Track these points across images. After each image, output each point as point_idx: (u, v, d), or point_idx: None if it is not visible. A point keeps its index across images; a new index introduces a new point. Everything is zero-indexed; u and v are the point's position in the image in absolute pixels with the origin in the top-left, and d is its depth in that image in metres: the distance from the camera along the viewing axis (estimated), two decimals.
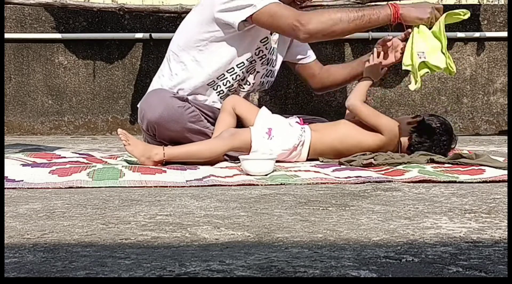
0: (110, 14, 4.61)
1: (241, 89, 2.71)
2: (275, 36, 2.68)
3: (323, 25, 2.39)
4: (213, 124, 2.62)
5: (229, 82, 2.64)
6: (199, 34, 2.58)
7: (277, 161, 2.40)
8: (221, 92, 2.65)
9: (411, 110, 4.63)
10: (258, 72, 2.69)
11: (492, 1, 4.97)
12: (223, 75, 2.62)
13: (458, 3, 4.93)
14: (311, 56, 2.94)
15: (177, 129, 2.49)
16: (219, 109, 2.63)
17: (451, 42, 4.72)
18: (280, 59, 2.81)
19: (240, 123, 2.57)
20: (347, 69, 2.89)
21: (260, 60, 2.66)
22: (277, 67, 2.81)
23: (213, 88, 2.64)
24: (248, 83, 2.70)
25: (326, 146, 2.52)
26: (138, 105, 2.65)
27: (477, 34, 4.71)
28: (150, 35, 4.58)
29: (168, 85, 2.64)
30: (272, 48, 2.68)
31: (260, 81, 2.75)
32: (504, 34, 4.67)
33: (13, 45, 4.65)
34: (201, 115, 2.59)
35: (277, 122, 2.52)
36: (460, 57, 4.76)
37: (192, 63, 2.61)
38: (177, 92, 2.60)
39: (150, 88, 2.72)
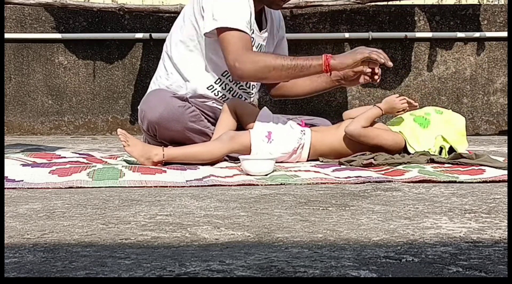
0: (110, 14, 4.61)
1: (243, 91, 2.70)
2: (265, 34, 2.66)
3: (256, 72, 2.38)
4: (214, 124, 2.62)
5: (228, 85, 2.63)
6: (188, 34, 2.57)
7: (277, 161, 2.40)
8: (220, 94, 2.65)
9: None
10: None
11: (492, 1, 4.97)
12: (219, 80, 2.61)
13: (458, 3, 4.93)
14: None
15: (177, 129, 2.49)
16: (220, 109, 2.63)
17: (451, 42, 4.74)
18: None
19: (241, 125, 2.57)
20: (313, 84, 2.82)
21: None
22: None
23: (211, 90, 2.63)
24: (247, 84, 2.69)
25: (326, 147, 2.52)
26: (138, 107, 2.65)
27: (477, 34, 4.71)
28: (150, 35, 4.58)
29: (165, 84, 2.64)
30: (259, 45, 2.65)
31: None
32: (504, 34, 4.68)
33: (13, 45, 4.65)
34: (202, 115, 2.59)
35: (277, 125, 2.51)
36: (460, 57, 4.76)
37: (183, 63, 2.62)
38: (177, 92, 2.60)
39: (148, 90, 2.73)
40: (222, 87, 2.63)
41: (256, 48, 2.63)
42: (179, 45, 2.61)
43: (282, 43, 2.87)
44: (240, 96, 2.68)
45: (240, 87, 2.67)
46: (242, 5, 2.44)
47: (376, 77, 2.57)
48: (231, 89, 2.64)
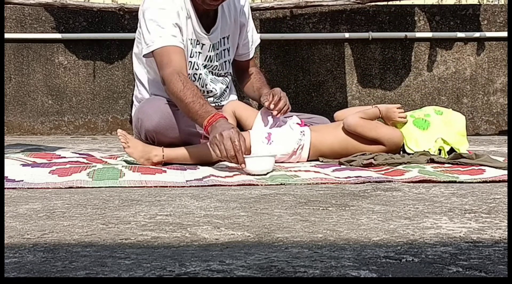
0: (110, 14, 4.61)
1: (212, 95, 2.72)
2: (215, 33, 2.65)
3: (170, 95, 2.39)
4: None
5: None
6: (140, 50, 2.63)
7: (277, 162, 2.40)
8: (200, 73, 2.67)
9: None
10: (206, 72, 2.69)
11: (492, 1, 4.97)
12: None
13: (458, 3, 4.93)
14: (250, 53, 2.89)
15: (175, 135, 2.49)
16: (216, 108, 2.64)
17: (451, 42, 4.74)
18: (232, 41, 2.76)
19: (240, 126, 2.57)
20: (255, 94, 2.81)
21: (204, 59, 2.65)
22: (232, 49, 2.78)
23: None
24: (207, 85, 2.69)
25: (326, 147, 2.52)
26: (133, 115, 2.67)
27: (477, 34, 4.71)
28: None
29: (138, 98, 2.72)
30: (210, 45, 2.65)
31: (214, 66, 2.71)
32: (504, 34, 4.67)
33: (13, 45, 4.65)
34: None
35: (277, 126, 2.51)
36: (460, 57, 4.76)
37: (143, 78, 2.70)
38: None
39: (134, 102, 2.77)
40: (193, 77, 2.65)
41: (202, 49, 2.62)
42: (138, 62, 2.71)
43: (243, 35, 2.81)
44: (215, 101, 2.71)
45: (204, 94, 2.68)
46: (166, 22, 2.46)
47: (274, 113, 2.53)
48: (201, 74, 2.67)
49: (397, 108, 2.56)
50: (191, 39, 2.59)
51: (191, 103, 2.26)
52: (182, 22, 2.52)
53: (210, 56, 2.67)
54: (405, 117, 2.54)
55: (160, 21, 2.47)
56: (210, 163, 2.36)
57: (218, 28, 2.66)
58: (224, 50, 2.72)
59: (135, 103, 2.78)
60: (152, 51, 2.45)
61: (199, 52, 2.63)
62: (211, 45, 2.65)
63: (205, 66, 2.67)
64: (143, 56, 2.53)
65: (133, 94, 2.83)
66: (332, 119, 2.79)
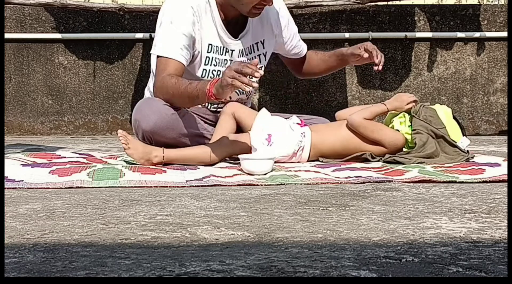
0: (110, 14, 4.61)
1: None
2: (243, 39, 2.63)
3: (161, 94, 2.46)
4: (213, 125, 2.62)
5: None
6: None
7: (277, 162, 2.40)
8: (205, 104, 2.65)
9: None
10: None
11: (492, 1, 4.97)
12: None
13: (458, 3, 4.93)
14: (303, 50, 2.94)
15: (173, 136, 2.48)
16: (215, 112, 2.64)
17: (451, 42, 4.74)
18: (269, 45, 2.75)
19: (240, 127, 2.57)
20: (325, 64, 2.93)
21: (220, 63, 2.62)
22: (265, 63, 2.76)
23: None
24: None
25: (327, 147, 2.52)
26: (132, 116, 2.66)
27: (477, 34, 4.71)
28: (150, 35, 4.57)
29: (151, 89, 2.69)
30: (240, 51, 2.63)
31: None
32: (504, 34, 4.67)
33: (13, 45, 4.65)
34: (197, 118, 2.59)
35: (277, 126, 2.50)
36: (460, 57, 4.76)
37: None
38: None
39: (145, 93, 2.76)
40: None
41: (230, 55, 2.60)
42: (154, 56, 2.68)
43: (293, 41, 2.85)
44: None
45: None
46: (177, 30, 2.48)
47: (379, 68, 2.63)
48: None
49: (409, 98, 2.53)
50: (217, 46, 2.57)
51: (188, 86, 2.33)
52: (202, 31, 2.52)
53: (242, 61, 2.65)
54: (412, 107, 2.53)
55: (172, 28, 2.48)
56: (210, 164, 2.36)
57: (248, 33, 2.64)
58: (259, 55, 2.71)
59: (146, 94, 2.77)
60: (157, 55, 2.50)
61: (230, 60, 2.60)
62: (241, 51, 2.64)
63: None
64: (150, 52, 2.57)
65: (144, 85, 2.84)
66: (332, 120, 2.78)
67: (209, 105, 2.67)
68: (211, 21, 2.55)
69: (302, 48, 2.91)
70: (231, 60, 2.61)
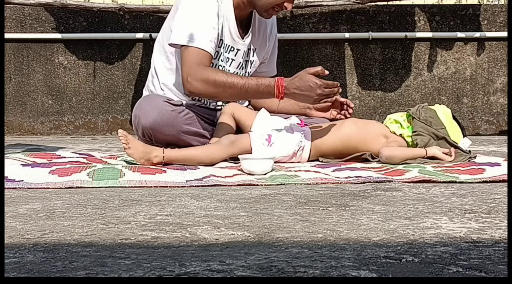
0: (110, 14, 4.61)
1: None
2: (247, 39, 2.63)
3: (206, 89, 2.40)
4: (212, 125, 2.62)
5: None
6: (167, 45, 2.57)
7: (277, 162, 2.40)
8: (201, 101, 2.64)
9: None
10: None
11: (492, 1, 4.97)
12: None
13: (458, 3, 4.93)
14: (270, 73, 2.83)
15: (172, 133, 2.48)
16: (214, 110, 2.64)
17: (451, 42, 4.74)
18: (260, 54, 2.73)
19: (240, 128, 2.57)
20: (280, 106, 2.71)
21: (227, 62, 2.61)
22: (256, 63, 2.74)
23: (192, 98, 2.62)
24: None
25: (327, 147, 2.51)
26: (132, 113, 2.66)
27: (477, 34, 4.71)
28: (150, 35, 4.58)
29: (150, 88, 2.68)
30: (244, 52, 2.63)
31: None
32: (504, 34, 4.67)
33: (13, 45, 4.65)
34: (197, 117, 2.58)
35: (277, 127, 2.50)
36: (460, 57, 4.76)
37: (161, 67, 2.64)
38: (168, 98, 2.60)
39: (144, 93, 2.75)
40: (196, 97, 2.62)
41: (235, 55, 2.60)
42: (160, 49, 2.65)
43: (272, 55, 2.81)
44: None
45: None
46: (206, 22, 2.44)
47: (349, 111, 2.65)
48: (203, 98, 2.63)
49: (446, 153, 2.44)
50: (226, 44, 2.56)
51: (245, 85, 2.38)
52: (219, 25, 2.49)
53: (241, 63, 2.64)
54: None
55: (201, 18, 2.43)
56: (210, 164, 2.36)
57: (249, 37, 2.64)
58: (250, 61, 2.69)
59: (145, 94, 2.75)
60: (183, 45, 2.41)
61: (232, 59, 2.60)
62: (244, 52, 2.63)
63: (236, 74, 2.58)
64: (169, 44, 2.49)
65: (144, 86, 2.81)
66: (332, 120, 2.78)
67: (208, 103, 2.66)
68: (226, 18, 2.52)
69: (270, 71, 2.82)
70: (232, 60, 2.60)
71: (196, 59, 2.40)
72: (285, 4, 2.46)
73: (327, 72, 2.34)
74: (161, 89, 2.63)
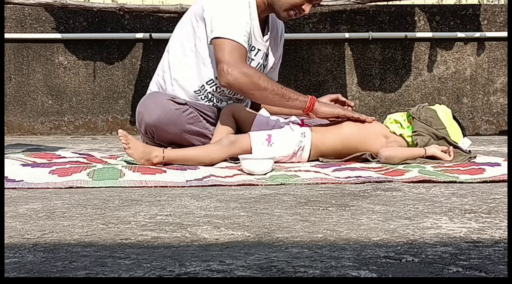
0: (110, 14, 4.61)
1: (228, 98, 2.67)
2: (267, 41, 2.64)
3: (246, 84, 2.37)
4: (214, 124, 2.62)
5: (210, 94, 2.62)
6: (187, 35, 2.56)
7: (277, 162, 2.40)
8: (205, 100, 2.63)
9: None
10: None
11: (492, 1, 4.97)
12: (203, 86, 2.60)
13: (458, 3, 4.93)
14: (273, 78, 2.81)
15: (175, 132, 2.49)
16: (218, 108, 2.63)
17: (451, 42, 4.74)
18: (271, 60, 2.74)
19: (240, 128, 2.57)
20: (276, 108, 2.71)
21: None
22: (268, 68, 2.75)
23: (202, 95, 2.62)
24: (231, 92, 2.65)
25: (327, 147, 2.51)
26: (136, 110, 2.66)
27: (477, 34, 4.71)
28: (150, 35, 4.58)
29: (159, 82, 2.66)
30: (263, 53, 2.64)
31: None
32: (504, 34, 4.68)
33: (13, 45, 4.65)
34: (200, 117, 2.58)
35: (277, 127, 2.50)
36: (460, 57, 4.76)
37: (175, 62, 2.61)
38: (175, 95, 2.59)
39: (148, 90, 2.74)
40: (205, 95, 2.62)
41: (255, 55, 2.61)
42: (177, 44, 2.62)
43: (279, 61, 2.84)
44: (226, 102, 2.67)
45: (222, 94, 2.64)
46: (242, 17, 2.44)
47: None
48: (212, 97, 2.63)
49: (445, 151, 2.44)
50: (248, 44, 2.54)
51: (286, 89, 2.46)
52: (250, 22, 2.50)
53: (260, 63, 2.64)
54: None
55: (238, 13, 2.43)
56: (210, 164, 2.36)
57: (269, 37, 2.65)
58: (264, 65, 2.70)
59: (152, 88, 2.73)
60: (220, 37, 2.39)
61: (252, 59, 2.60)
62: (264, 53, 2.63)
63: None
64: (212, 38, 2.42)
65: (144, 85, 2.80)
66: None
67: (220, 101, 2.65)
68: (252, 16, 2.52)
69: (272, 77, 2.80)
70: (252, 60, 2.60)
71: (237, 54, 2.39)
72: (304, 6, 2.47)
73: (352, 103, 2.62)
74: (171, 84, 2.62)
